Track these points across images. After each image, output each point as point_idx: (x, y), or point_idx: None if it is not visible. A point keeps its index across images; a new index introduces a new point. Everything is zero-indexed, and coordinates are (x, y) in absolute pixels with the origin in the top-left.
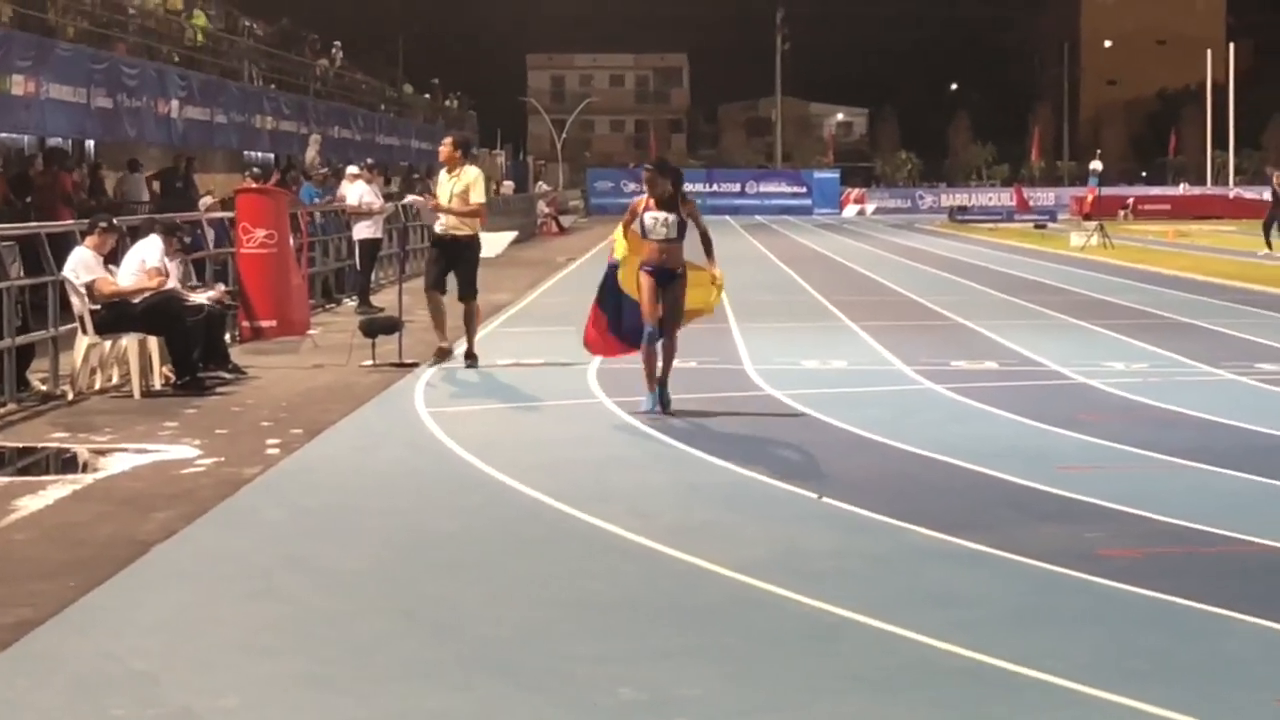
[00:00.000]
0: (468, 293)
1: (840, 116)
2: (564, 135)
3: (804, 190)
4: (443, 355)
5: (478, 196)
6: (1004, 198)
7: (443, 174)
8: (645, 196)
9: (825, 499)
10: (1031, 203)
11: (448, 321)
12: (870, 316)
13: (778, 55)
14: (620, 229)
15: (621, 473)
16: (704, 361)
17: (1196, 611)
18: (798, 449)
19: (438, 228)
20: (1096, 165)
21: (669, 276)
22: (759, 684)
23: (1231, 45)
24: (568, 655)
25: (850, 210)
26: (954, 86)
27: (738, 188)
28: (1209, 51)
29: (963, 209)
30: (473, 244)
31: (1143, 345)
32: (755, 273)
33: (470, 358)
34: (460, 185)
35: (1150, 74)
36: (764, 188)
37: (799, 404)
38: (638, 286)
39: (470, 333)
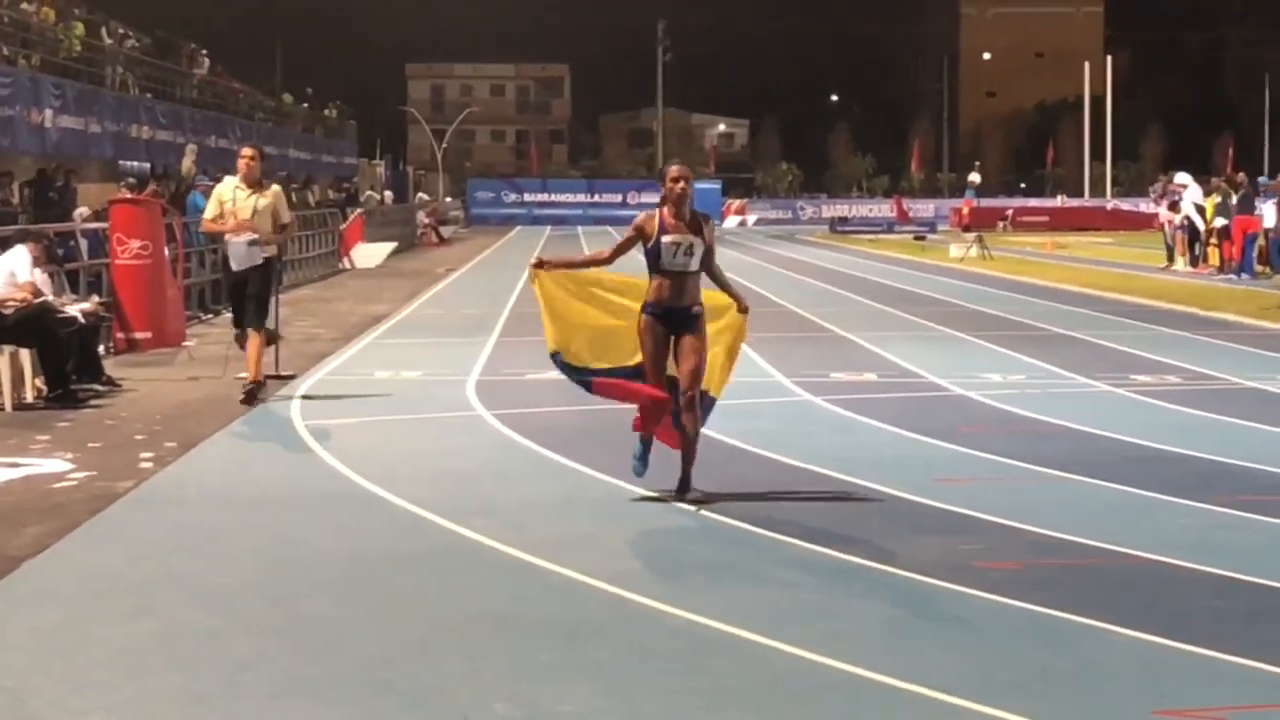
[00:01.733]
0: (257, 320)
1: (722, 127)
2: (444, 145)
3: None
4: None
5: (288, 214)
6: (884, 209)
7: (235, 190)
8: (654, 213)
9: (703, 511)
10: (911, 214)
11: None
12: (751, 328)
13: (659, 66)
14: (547, 282)
15: (499, 486)
16: None
17: (1073, 623)
18: (676, 461)
19: (242, 251)
20: (975, 177)
21: (684, 319)
22: (634, 699)
23: (1109, 58)
24: (444, 671)
25: (731, 221)
26: (834, 98)
27: (619, 198)
28: (1087, 64)
29: (843, 220)
30: (272, 266)
31: (1020, 357)
32: None
33: (252, 395)
34: (265, 202)
35: (1029, 86)
36: (646, 198)
37: None
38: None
39: (256, 365)
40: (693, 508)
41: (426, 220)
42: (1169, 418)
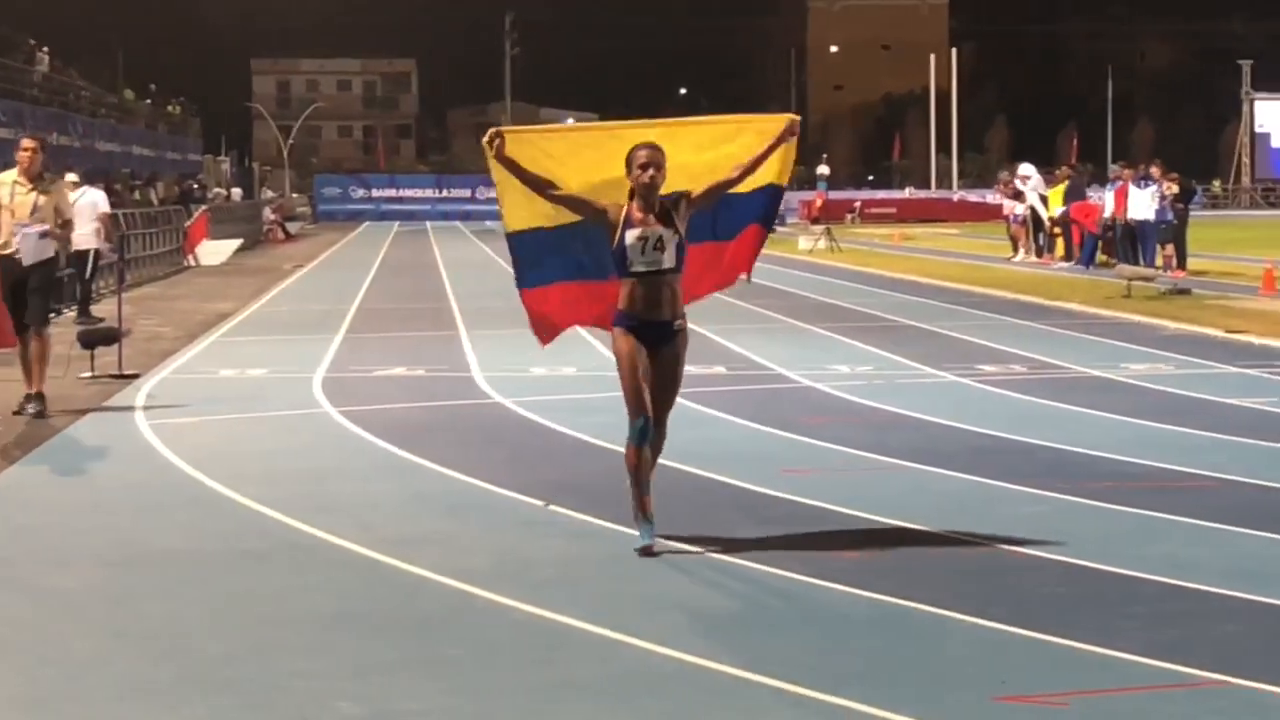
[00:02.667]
0: (42, 319)
1: (571, 121)
2: (290, 141)
3: None
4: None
5: (70, 211)
6: None
7: (14, 184)
8: (623, 205)
9: (551, 506)
10: None
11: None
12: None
13: (507, 60)
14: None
15: (345, 483)
16: (432, 369)
17: (916, 612)
18: (525, 456)
19: (33, 244)
20: (823, 169)
21: (663, 334)
22: (481, 695)
23: (955, 51)
24: (288, 670)
25: None
26: (683, 91)
27: (468, 193)
28: (933, 57)
29: None
30: (53, 264)
31: (867, 348)
32: (486, 279)
33: (36, 404)
34: (46, 199)
35: (876, 79)
36: (494, 194)
37: (527, 411)
38: (618, 348)
39: (39, 372)
40: (541, 503)
41: (273, 217)
42: (1014, 407)
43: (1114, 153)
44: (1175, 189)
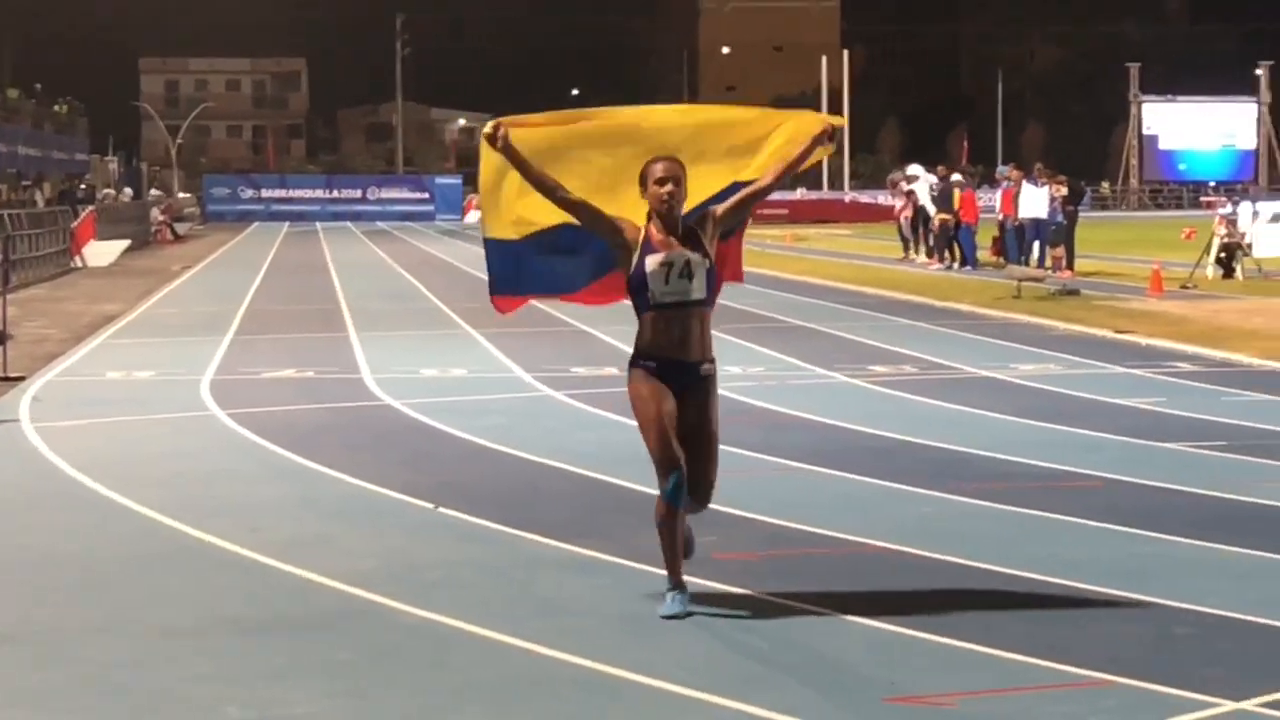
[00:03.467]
0: None
1: (462, 122)
2: (179, 141)
3: (426, 196)
4: None
5: None
6: None
7: None
8: (640, 227)
9: (441, 509)
10: None
11: None
12: (492, 324)
13: (398, 60)
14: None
15: (234, 486)
16: (321, 371)
17: (808, 613)
18: (414, 459)
19: None
20: None
21: (688, 377)
22: (370, 698)
23: (846, 52)
24: (178, 675)
25: (473, 216)
26: (575, 92)
27: (359, 194)
28: (824, 58)
29: None
30: None
31: (759, 349)
32: (376, 280)
33: None
34: None
35: (767, 80)
36: (385, 194)
37: (417, 413)
38: (639, 395)
39: None
40: (430, 506)
41: (161, 217)
42: (905, 408)
43: (1004, 154)
44: (1064, 191)
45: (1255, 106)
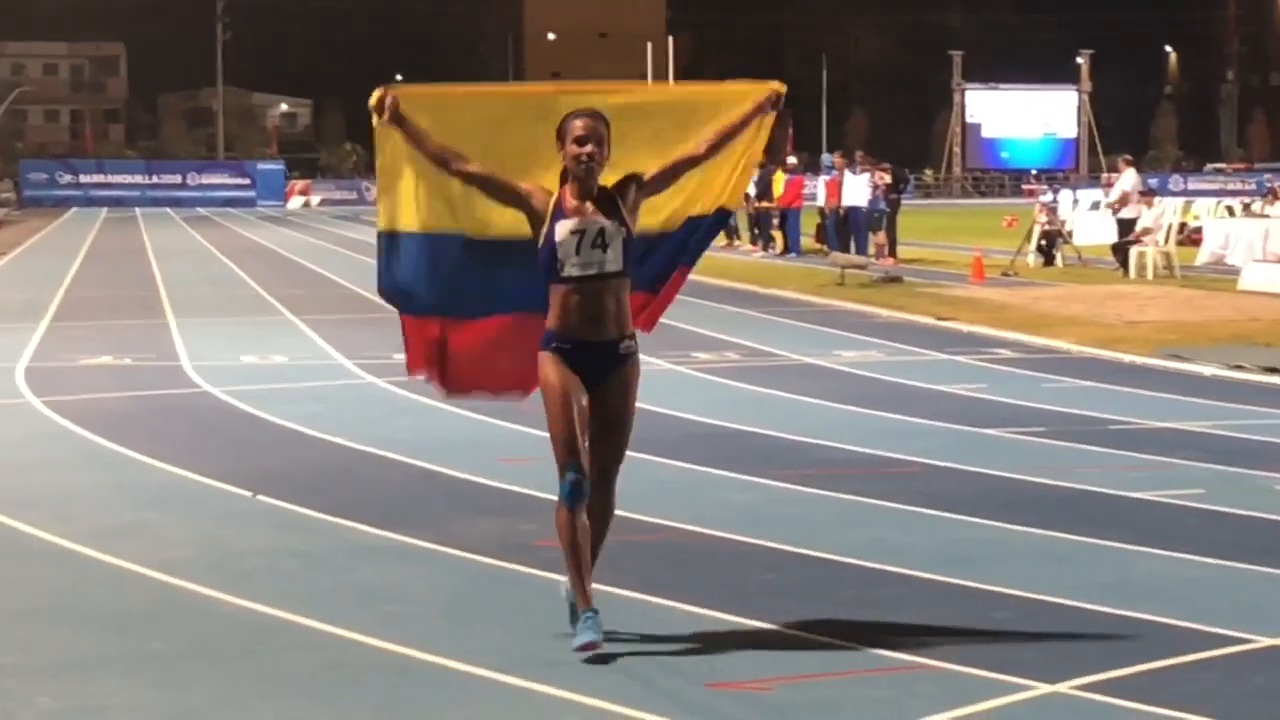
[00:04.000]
0: None
1: (284, 107)
2: None
3: (247, 182)
4: None
5: None
6: None
7: None
8: (550, 192)
9: (259, 496)
10: None
11: None
12: (313, 310)
13: (218, 45)
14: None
15: (47, 475)
16: (139, 358)
17: (632, 600)
18: (233, 447)
19: None
20: None
21: (606, 359)
22: (186, 689)
23: (671, 39)
24: None
25: (295, 202)
26: (399, 78)
27: (179, 179)
28: (650, 45)
29: None
30: None
31: None
32: (196, 266)
33: None
34: None
35: (593, 66)
36: (206, 179)
37: (236, 400)
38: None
39: None
40: (248, 494)
41: None
42: (728, 394)
43: (829, 142)
44: (887, 178)
45: (1076, 95)
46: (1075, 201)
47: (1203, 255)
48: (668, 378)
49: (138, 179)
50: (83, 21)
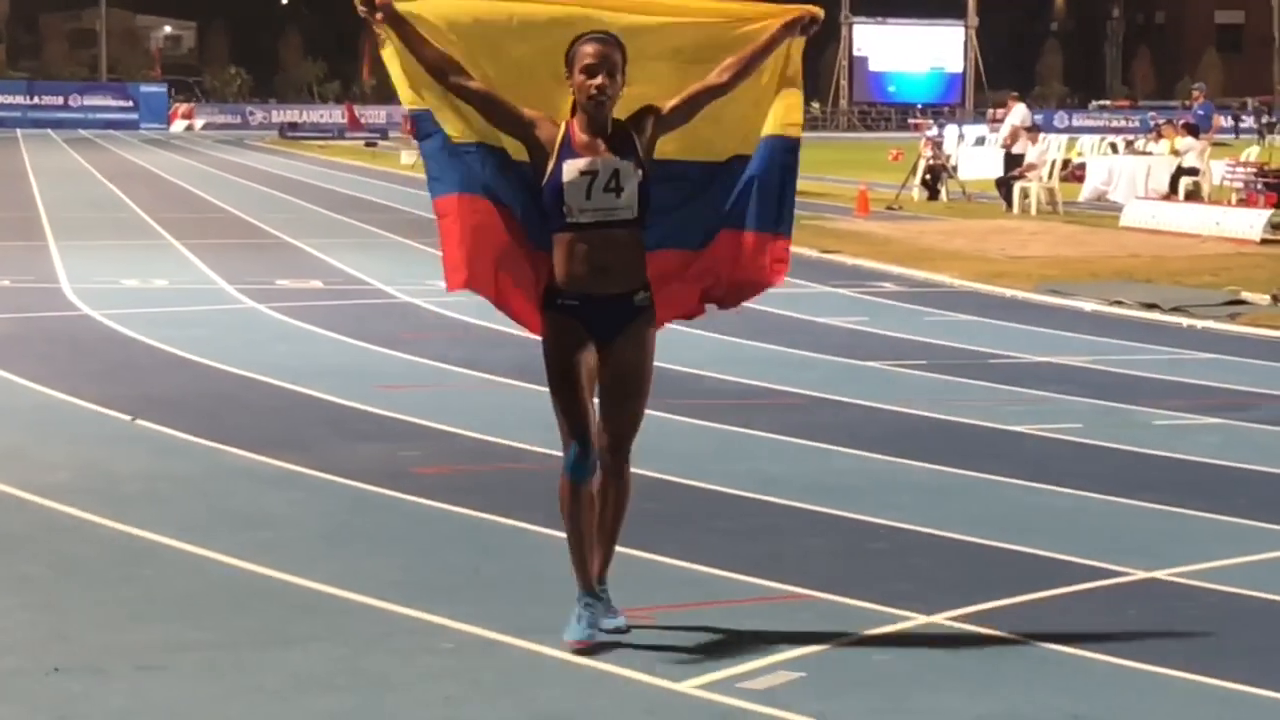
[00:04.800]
0: None
1: (168, 29)
2: None
3: (130, 104)
4: None
5: None
6: (336, 115)
7: None
8: (558, 123)
9: (138, 421)
10: (363, 120)
11: None
12: (196, 235)
13: None
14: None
15: None
16: (17, 280)
17: (505, 526)
18: (112, 370)
19: None
20: None
21: (617, 314)
22: (61, 612)
23: None
24: None
25: (179, 125)
26: (284, 1)
27: (61, 101)
28: None
29: (293, 126)
30: None
31: None
32: (77, 189)
33: None
34: None
35: None
36: (88, 101)
37: (116, 324)
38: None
39: None
40: (127, 418)
41: None
42: None
43: None
44: None
45: (963, 30)
46: (961, 136)
47: (1085, 191)
48: None
49: (19, 100)
50: None
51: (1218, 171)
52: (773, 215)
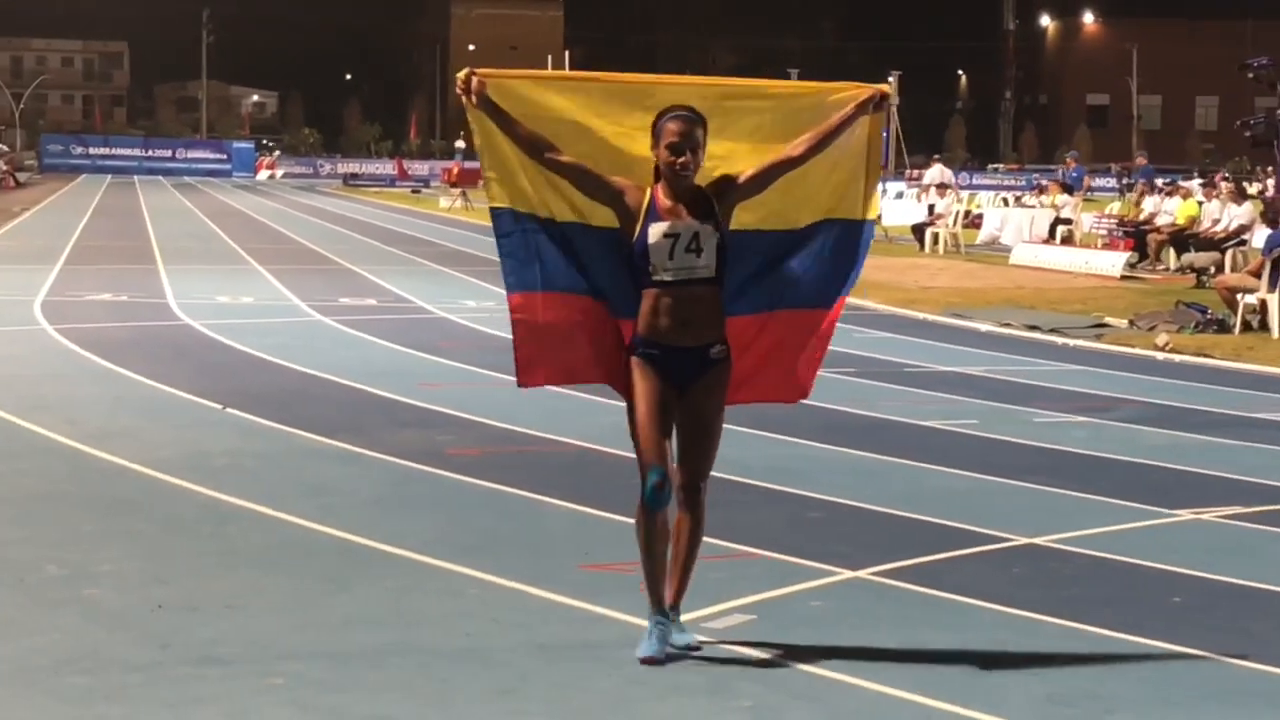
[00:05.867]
0: None
1: (255, 97)
2: (21, 106)
3: (225, 157)
4: None
5: None
6: (388, 167)
7: None
8: (644, 189)
9: (229, 409)
10: (410, 172)
11: None
12: (275, 261)
13: (203, 45)
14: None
15: (57, 387)
16: (134, 296)
17: (521, 497)
18: (209, 369)
19: None
20: (460, 144)
21: (695, 365)
22: (163, 560)
23: (567, 52)
24: (3, 539)
25: (263, 174)
26: (348, 77)
27: (170, 154)
28: (549, 56)
29: (354, 175)
30: None
31: (490, 287)
32: (181, 224)
33: None
34: None
35: None
36: (191, 154)
37: (211, 332)
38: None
39: None
40: (219, 407)
41: (4, 167)
42: None
43: None
44: None
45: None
46: (884, 190)
47: (982, 236)
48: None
49: (136, 152)
50: (95, 23)
51: (1087, 221)
52: (835, 292)
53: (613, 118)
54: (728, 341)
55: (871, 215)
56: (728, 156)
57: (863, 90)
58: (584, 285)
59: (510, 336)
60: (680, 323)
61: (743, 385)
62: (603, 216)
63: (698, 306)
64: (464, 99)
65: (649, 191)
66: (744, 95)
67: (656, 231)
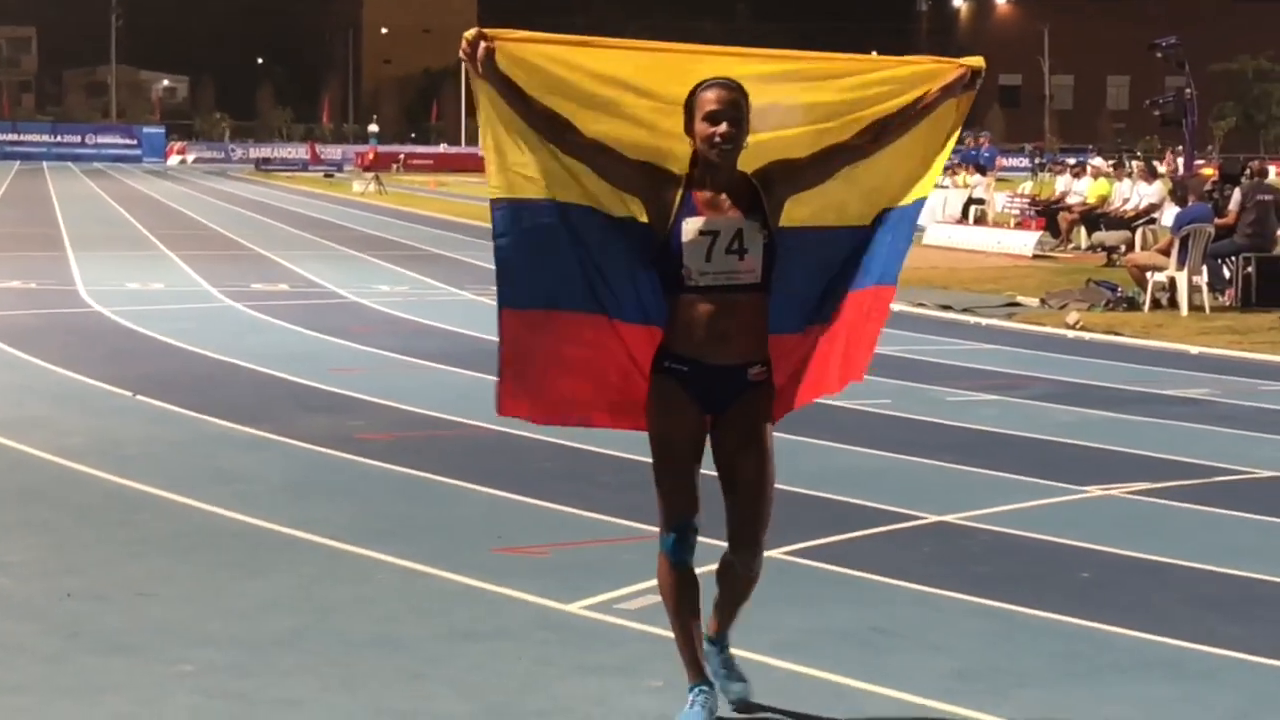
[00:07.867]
0: None
1: (166, 82)
2: None
3: (135, 143)
4: None
5: None
6: (301, 152)
7: None
8: (677, 178)
9: (138, 396)
10: (323, 156)
11: None
12: (186, 247)
13: (113, 30)
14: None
15: None
16: (42, 283)
17: (434, 482)
18: (119, 356)
19: None
20: (374, 128)
21: (731, 387)
22: (72, 549)
23: None
24: None
25: (174, 160)
26: (260, 61)
27: (79, 139)
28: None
29: (267, 160)
30: None
31: (404, 271)
32: (91, 210)
33: None
34: None
35: (418, 56)
36: (101, 139)
37: (121, 319)
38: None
39: None
40: (129, 394)
41: None
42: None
43: None
44: None
45: None
46: None
47: None
48: (467, 304)
49: (45, 138)
50: (2, 8)
51: (1000, 201)
52: (893, 270)
53: (648, 94)
54: (770, 361)
55: (929, 192)
56: (779, 133)
57: (950, 68)
58: (595, 299)
59: (497, 341)
60: (717, 336)
61: (782, 395)
62: (629, 208)
63: (739, 317)
64: (468, 65)
65: (684, 179)
66: (798, 68)
67: (691, 227)
